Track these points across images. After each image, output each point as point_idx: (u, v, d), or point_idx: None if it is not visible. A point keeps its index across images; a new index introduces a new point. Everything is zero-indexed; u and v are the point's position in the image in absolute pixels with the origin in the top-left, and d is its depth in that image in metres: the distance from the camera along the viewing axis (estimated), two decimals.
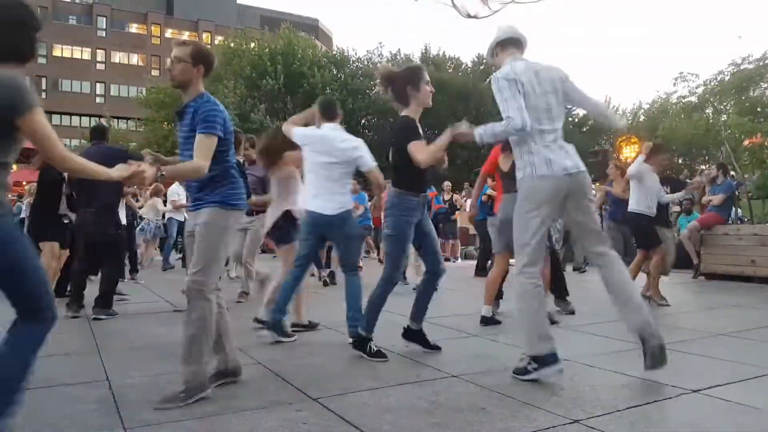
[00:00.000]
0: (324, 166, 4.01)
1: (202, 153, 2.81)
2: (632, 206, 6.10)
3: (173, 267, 10.48)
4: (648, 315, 3.11)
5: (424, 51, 36.33)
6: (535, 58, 3.27)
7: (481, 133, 3.15)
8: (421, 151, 3.45)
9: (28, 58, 2.18)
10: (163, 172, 2.72)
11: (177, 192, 10.16)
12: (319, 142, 4.06)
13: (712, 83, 23.44)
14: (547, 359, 3.04)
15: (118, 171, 2.45)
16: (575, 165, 3.15)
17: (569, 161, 3.14)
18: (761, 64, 20.79)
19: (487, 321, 4.94)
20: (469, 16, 7.18)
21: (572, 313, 5.45)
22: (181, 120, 2.98)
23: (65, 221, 5.97)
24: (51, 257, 5.79)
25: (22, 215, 8.40)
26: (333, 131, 4.09)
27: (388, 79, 3.71)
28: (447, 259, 12.30)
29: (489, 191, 6.44)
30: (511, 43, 3.35)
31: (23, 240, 2.18)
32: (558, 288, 5.62)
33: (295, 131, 4.22)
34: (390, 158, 3.70)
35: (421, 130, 3.61)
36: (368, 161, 4.01)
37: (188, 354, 2.80)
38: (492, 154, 5.27)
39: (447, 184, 13.61)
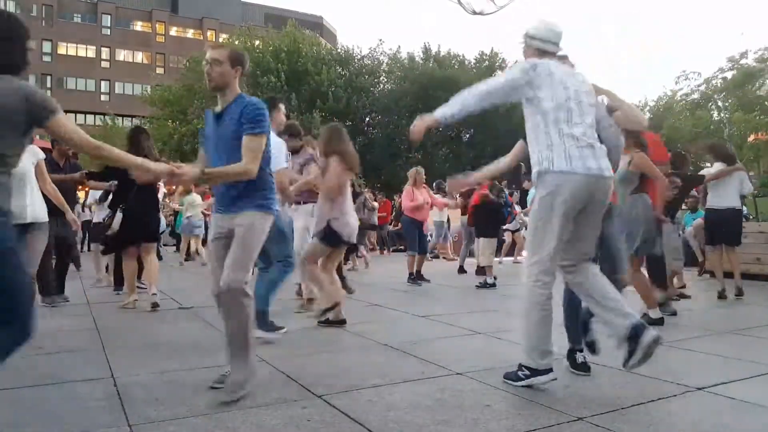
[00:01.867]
0: None
1: (252, 154, 2.80)
2: None
3: None
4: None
5: (424, 49, 36.24)
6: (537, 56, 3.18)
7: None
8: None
9: (22, 69, 2.20)
10: (207, 172, 2.73)
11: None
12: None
13: (714, 81, 23.42)
14: (542, 370, 2.90)
15: (160, 167, 2.56)
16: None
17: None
18: (763, 56, 20.74)
19: (655, 322, 4.42)
20: (474, 12, 7.18)
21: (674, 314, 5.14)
22: (218, 122, 2.92)
23: None
24: None
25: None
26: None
27: None
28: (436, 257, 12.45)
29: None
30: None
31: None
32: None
33: None
34: None
35: None
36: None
37: (243, 352, 2.83)
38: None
39: (441, 182, 13.45)
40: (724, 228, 6.44)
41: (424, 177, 8.60)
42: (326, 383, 2.98)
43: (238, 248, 2.86)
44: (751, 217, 9.87)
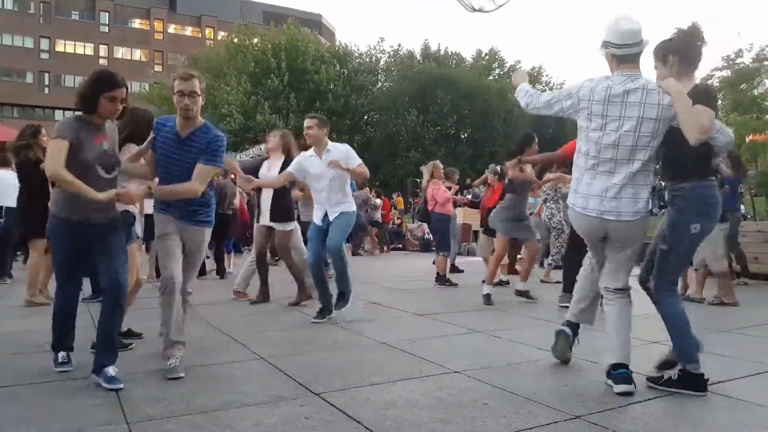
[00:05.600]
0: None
1: (202, 179, 3.14)
2: None
3: None
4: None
5: (423, 47, 36.19)
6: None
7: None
8: None
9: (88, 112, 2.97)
10: (152, 190, 3.03)
11: None
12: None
13: (710, 80, 23.46)
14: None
15: (105, 194, 2.84)
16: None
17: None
18: (761, 56, 20.74)
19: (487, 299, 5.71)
20: (474, 10, 7.18)
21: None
22: (182, 145, 3.16)
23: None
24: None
25: None
26: None
27: None
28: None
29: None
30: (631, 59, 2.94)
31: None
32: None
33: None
34: None
35: None
36: None
37: (181, 330, 3.27)
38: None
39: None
40: None
41: (442, 171, 8.27)
42: (324, 381, 2.99)
43: (195, 261, 3.37)
44: (749, 216, 9.89)
